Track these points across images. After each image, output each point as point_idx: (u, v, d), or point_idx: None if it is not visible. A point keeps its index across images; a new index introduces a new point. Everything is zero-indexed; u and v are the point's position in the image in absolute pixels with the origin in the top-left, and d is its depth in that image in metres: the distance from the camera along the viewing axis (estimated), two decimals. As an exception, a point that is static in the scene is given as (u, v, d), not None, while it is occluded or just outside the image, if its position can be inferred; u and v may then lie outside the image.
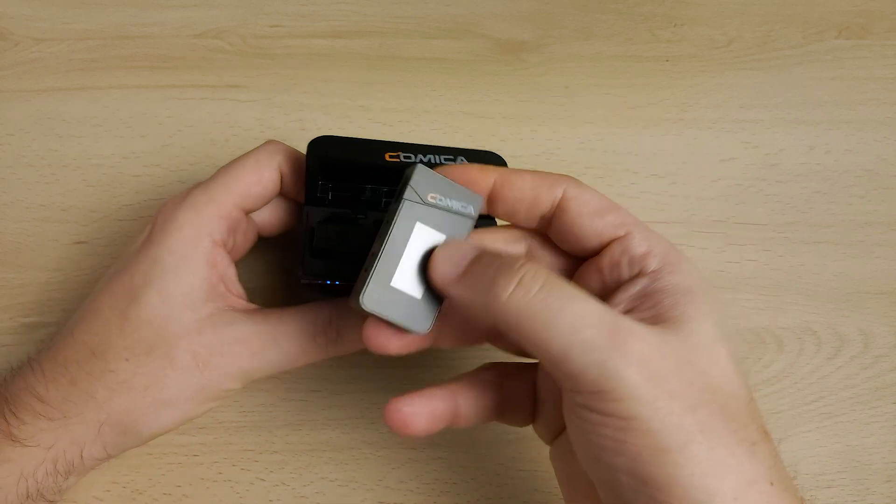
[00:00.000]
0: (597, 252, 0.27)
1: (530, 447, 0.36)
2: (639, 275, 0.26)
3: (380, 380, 0.37)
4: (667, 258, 0.26)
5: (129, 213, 0.39)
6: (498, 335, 0.30)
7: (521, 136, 0.42)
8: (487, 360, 0.31)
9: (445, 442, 0.36)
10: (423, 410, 0.27)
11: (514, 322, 0.23)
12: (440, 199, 0.26)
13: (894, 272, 0.41)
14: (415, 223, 0.26)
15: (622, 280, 0.27)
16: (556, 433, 0.29)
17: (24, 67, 0.42)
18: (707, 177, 0.42)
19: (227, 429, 0.36)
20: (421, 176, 0.26)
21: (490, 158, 0.33)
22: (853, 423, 0.38)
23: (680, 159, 0.42)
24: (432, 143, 0.33)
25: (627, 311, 0.26)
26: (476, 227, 0.28)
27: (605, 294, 0.27)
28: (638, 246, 0.26)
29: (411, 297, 0.26)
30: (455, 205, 0.26)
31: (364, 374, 0.37)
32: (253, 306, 0.32)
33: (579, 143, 0.42)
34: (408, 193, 0.25)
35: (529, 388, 0.30)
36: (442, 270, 0.25)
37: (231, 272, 0.32)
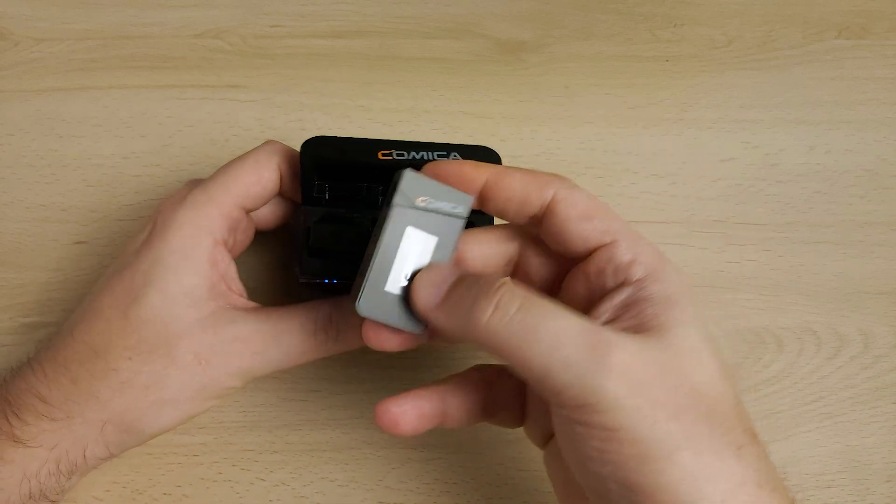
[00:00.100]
0: (585, 257, 0.27)
1: (530, 447, 0.36)
2: (623, 283, 0.26)
3: (380, 380, 0.37)
4: (652, 266, 0.26)
5: (129, 213, 0.39)
6: None
7: (521, 136, 0.42)
8: (483, 361, 0.31)
9: (445, 442, 0.36)
10: (411, 410, 0.28)
11: (495, 344, 0.24)
12: (430, 202, 0.26)
13: (894, 272, 0.41)
14: (406, 227, 0.26)
15: (607, 288, 0.26)
16: (546, 437, 0.29)
17: (24, 67, 0.42)
18: (707, 177, 0.42)
19: (227, 429, 0.36)
20: (409, 180, 0.26)
21: (484, 153, 0.32)
22: (853, 423, 0.38)
23: (680, 159, 0.42)
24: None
25: (611, 321, 0.26)
26: (473, 224, 0.29)
27: (592, 300, 0.27)
28: (623, 254, 0.26)
29: (405, 300, 0.26)
30: (445, 206, 0.27)
31: (364, 374, 0.37)
32: (254, 304, 0.32)
33: (579, 143, 0.42)
34: (397, 199, 0.26)
35: (519, 391, 0.30)
36: (423, 298, 0.26)
37: (232, 270, 0.32)
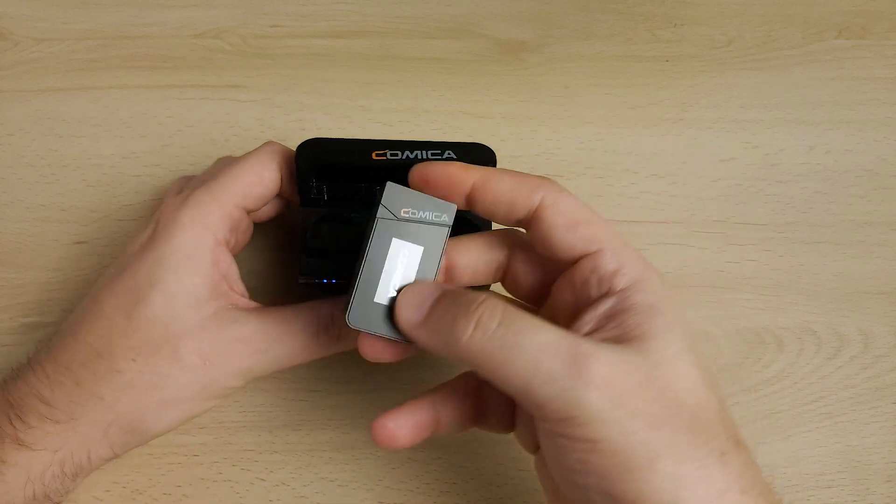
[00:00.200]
0: (571, 264, 0.27)
1: (530, 447, 0.36)
2: (607, 293, 0.26)
3: (380, 380, 0.37)
4: (636, 276, 0.26)
5: (129, 213, 0.39)
6: None
7: (521, 136, 0.42)
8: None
9: (446, 442, 0.36)
10: (406, 424, 0.28)
11: (477, 362, 0.24)
12: (413, 213, 0.27)
13: (894, 272, 0.41)
14: (391, 239, 0.27)
15: (592, 297, 0.27)
16: (536, 443, 0.29)
17: (24, 67, 0.42)
18: (707, 177, 0.42)
19: (227, 429, 0.36)
20: (391, 193, 0.27)
21: (479, 151, 0.32)
22: (853, 423, 0.38)
23: (680, 159, 0.42)
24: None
25: (595, 331, 0.26)
26: (475, 225, 0.29)
27: (578, 308, 0.27)
28: (608, 264, 0.26)
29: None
30: (429, 216, 0.27)
31: (364, 374, 0.37)
32: (255, 304, 0.32)
33: (579, 143, 0.42)
34: (380, 212, 0.26)
35: (507, 398, 0.30)
36: (405, 317, 0.26)
37: (233, 270, 0.32)
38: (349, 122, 0.42)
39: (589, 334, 0.26)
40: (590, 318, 0.26)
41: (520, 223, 0.28)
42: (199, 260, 0.30)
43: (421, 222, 0.27)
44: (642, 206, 0.41)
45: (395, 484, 0.36)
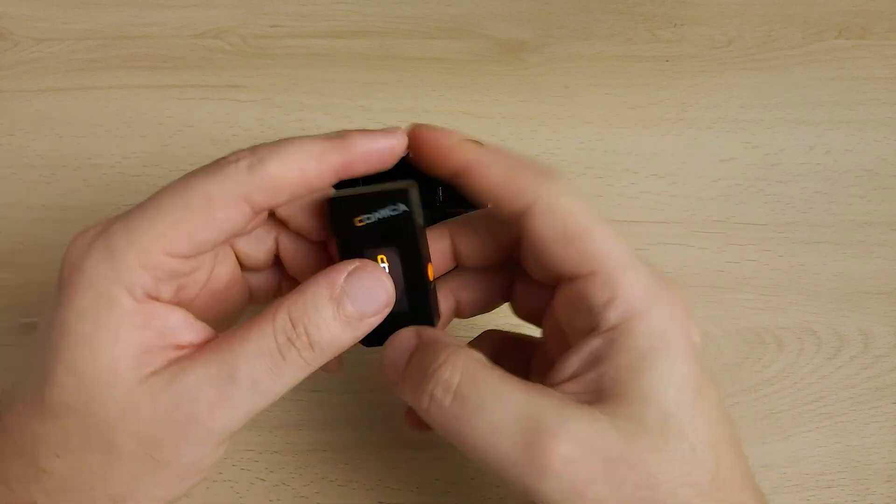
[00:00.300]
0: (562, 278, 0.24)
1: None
2: (595, 330, 0.23)
3: (380, 380, 0.37)
4: (630, 310, 0.22)
5: (129, 213, 0.39)
6: (512, 293, 0.29)
7: (521, 136, 0.42)
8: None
9: (445, 442, 0.36)
10: None
11: (439, 431, 0.23)
12: (369, 217, 0.24)
13: (894, 272, 0.41)
14: (361, 251, 0.25)
15: (581, 331, 0.23)
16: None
17: (24, 67, 0.42)
18: (707, 177, 0.42)
19: (227, 429, 0.36)
20: (338, 208, 0.24)
21: None
22: (853, 423, 0.38)
23: (680, 159, 0.42)
24: None
25: (575, 377, 0.23)
26: (467, 204, 0.26)
27: (574, 335, 0.24)
28: (599, 292, 0.22)
29: (402, 312, 0.25)
30: (385, 212, 0.24)
31: (364, 374, 0.37)
32: (206, 342, 0.24)
33: (579, 143, 0.42)
34: (335, 231, 0.25)
35: (523, 367, 0.28)
36: (389, 374, 0.25)
37: (177, 320, 0.24)
38: (349, 122, 0.42)
39: (569, 382, 0.23)
40: (574, 361, 0.23)
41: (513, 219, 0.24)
42: (113, 327, 0.22)
43: (381, 221, 0.24)
44: (642, 206, 0.41)
45: (395, 484, 0.36)
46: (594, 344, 0.23)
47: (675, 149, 0.43)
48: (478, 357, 0.23)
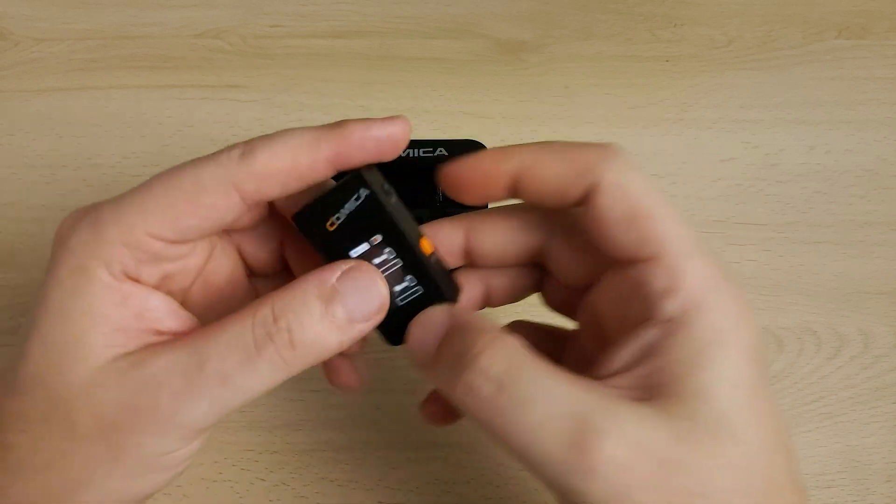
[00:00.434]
0: (625, 264, 0.22)
1: (530, 447, 0.36)
2: (650, 321, 0.21)
3: (381, 379, 0.37)
4: (691, 300, 0.21)
5: (129, 213, 0.39)
6: (542, 285, 0.27)
7: (521, 136, 0.42)
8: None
9: (445, 442, 0.36)
10: (443, 407, 0.26)
11: (476, 420, 0.21)
12: (339, 217, 0.23)
13: (894, 272, 0.41)
14: (347, 254, 0.23)
15: (634, 320, 0.22)
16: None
17: (24, 67, 0.42)
18: (707, 177, 0.42)
19: (227, 429, 0.36)
20: (303, 222, 0.23)
21: (470, 147, 0.32)
22: (853, 423, 0.38)
23: (680, 159, 0.42)
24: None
25: (627, 370, 0.21)
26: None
27: (621, 325, 0.22)
28: (659, 279, 0.21)
29: (418, 297, 0.24)
30: (350, 205, 0.23)
31: (364, 374, 0.37)
32: (185, 332, 0.24)
33: (579, 143, 0.42)
34: (315, 245, 0.23)
35: (555, 360, 0.27)
36: (417, 356, 0.23)
37: (158, 304, 0.23)
38: (349, 122, 0.42)
39: (617, 376, 0.21)
40: (624, 354, 0.21)
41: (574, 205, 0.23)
42: (87, 298, 0.22)
43: (351, 216, 0.23)
44: (642, 206, 0.41)
45: (395, 484, 0.36)
46: (648, 335, 0.21)
47: (675, 149, 0.43)
48: (521, 345, 0.21)
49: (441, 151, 0.31)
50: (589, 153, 0.22)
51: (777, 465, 0.20)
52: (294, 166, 0.22)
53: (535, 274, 0.27)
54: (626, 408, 0.20)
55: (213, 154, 0.23)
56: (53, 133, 0.40)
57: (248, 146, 0.22)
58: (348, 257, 0.23)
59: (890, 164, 0.43)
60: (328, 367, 0.27)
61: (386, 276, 0.24)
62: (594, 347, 0.24)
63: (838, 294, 0.40)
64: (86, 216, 0.23)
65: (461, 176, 0.23)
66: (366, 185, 0.22)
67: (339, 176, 0.23)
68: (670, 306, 0.21)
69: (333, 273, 0.22)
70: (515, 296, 0.28)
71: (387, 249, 0.23)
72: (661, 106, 0.43)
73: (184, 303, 0.25)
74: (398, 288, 0.24)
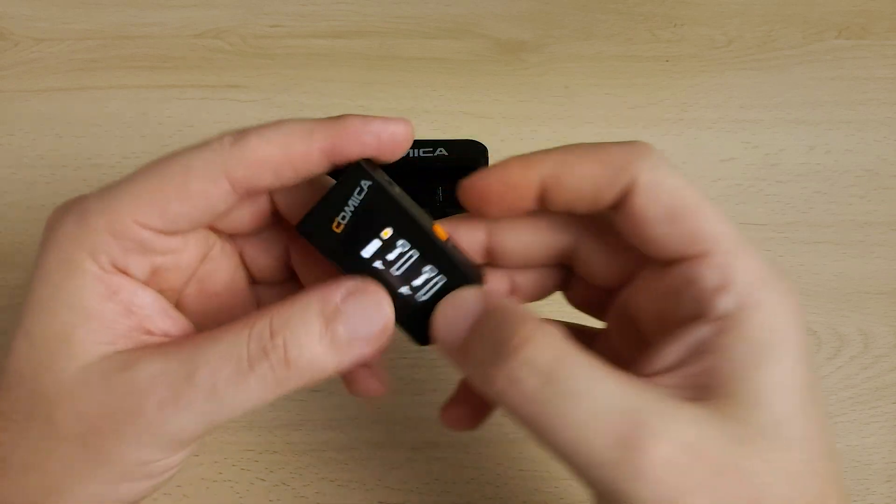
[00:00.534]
0: (665, 264, 0.21)
1: (530, 447, 0.36)
2: (702, 318, 0.20)
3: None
4: (746, 297, 0.20)
5: (129, 213, 0.39)
6: (568, 282, 0.26)
7: (521, 136, 0.42)
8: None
9: (445, 442, 0.36)
10: (466, 407, 0.25)
11: (516, 418, 0.20)
12: (345, 216, 0.22)
13: (894, 272, 0.41)
14: (359, 254, 0.22)
15: (681, 318, 0.20)
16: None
17: (24, 67, 0.42)
18: (707, 177, 0.42)
19: (227, 429, 0.36)
20: (308, 231, 0.22)
21: (470, 147, 0.32)
22: (853, 423, 0.38)
23: (680, 159, 0.42)
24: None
25: (675, 368, 0.20)
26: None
27: (661, 327, 0.21)
28: (711, 276, 0.20)
29: (441, 286, 0.23)
30: (354, 199, 0.22)
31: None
32: (179, 336, 0.23)
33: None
34: (322, 251, 0.22)
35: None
36: (443, 340, 0.22)
37: (148, 301, 0.23)
38: (349, 122, 0.42)
39: (665, 374, 0.20)
40: (670, 352, 0.20)
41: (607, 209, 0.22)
42: (73, 291, 0.21)
43: (356, 212, 0.22)
44: (642, 206, 0.41)
45: (395, 484, 0.36)
46: (700, 332, 0.20)
47: (675, 149, 0.43)
48: (566, 336, 0.20)
49: (441, 151, 0.31)
50: (620, 153, 0.21)
51: (829, 473, 0.19)
52: (286, 154, 0.21)
53: (560, 273, 0.26)
54: (679, 408, 0.19)
55: (205, 141, 0.22)
56: (53, 133, 0.40)
57: (241, 133, 0.22)
58: (361, 258, 0.22)
59: (890, 164, 0.43)
60: (346, 378, 0.26)
61: (404, 272, 0.23)
62: (626, 347, 0.24)
63: (838, 294, 0.40)
64: (73, 207, 0.22)
65: (485, 189, 0.22)
66: (366, 175, 0.22)
67: (339, 177, 0.23)
68: (724, 303, 0.20)
69: (338, 290, 0.22)
70: (539, 294, 0.26)
71: (400, 242, 0.22)
72: (661, 106, 0.43)
73: (178, 305, 0.24)
74: (418, 282, 0.23)
